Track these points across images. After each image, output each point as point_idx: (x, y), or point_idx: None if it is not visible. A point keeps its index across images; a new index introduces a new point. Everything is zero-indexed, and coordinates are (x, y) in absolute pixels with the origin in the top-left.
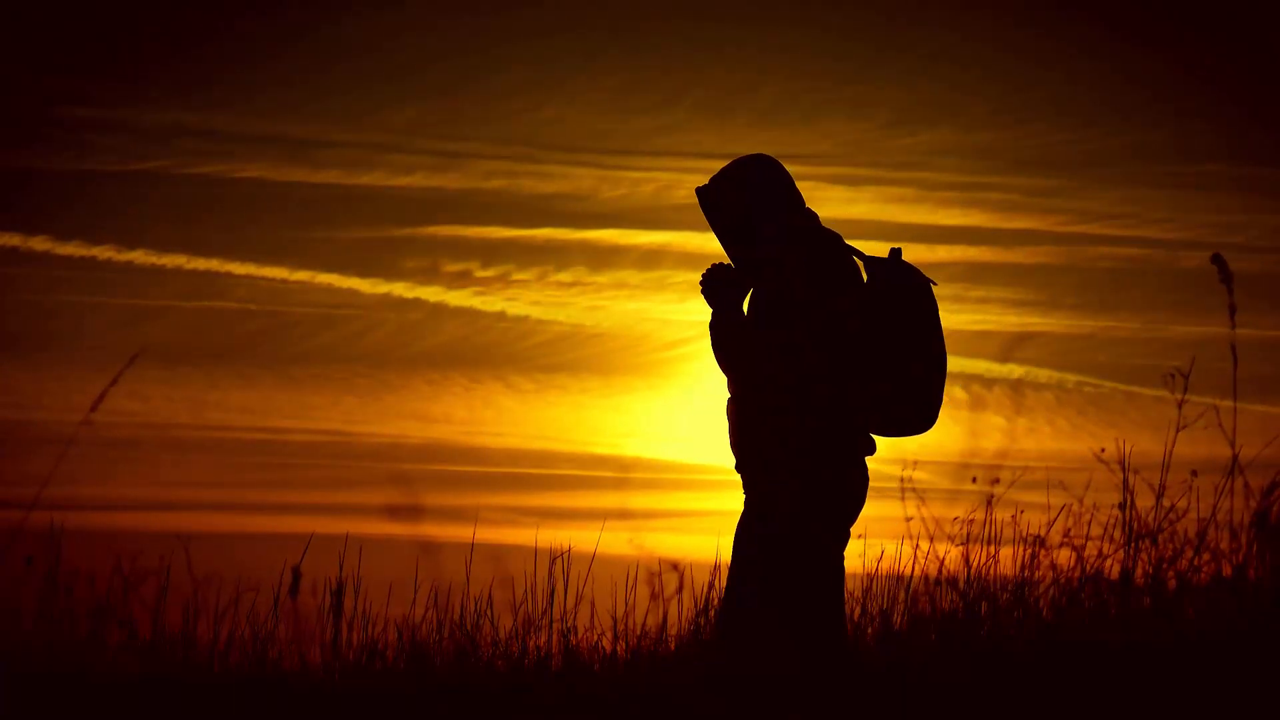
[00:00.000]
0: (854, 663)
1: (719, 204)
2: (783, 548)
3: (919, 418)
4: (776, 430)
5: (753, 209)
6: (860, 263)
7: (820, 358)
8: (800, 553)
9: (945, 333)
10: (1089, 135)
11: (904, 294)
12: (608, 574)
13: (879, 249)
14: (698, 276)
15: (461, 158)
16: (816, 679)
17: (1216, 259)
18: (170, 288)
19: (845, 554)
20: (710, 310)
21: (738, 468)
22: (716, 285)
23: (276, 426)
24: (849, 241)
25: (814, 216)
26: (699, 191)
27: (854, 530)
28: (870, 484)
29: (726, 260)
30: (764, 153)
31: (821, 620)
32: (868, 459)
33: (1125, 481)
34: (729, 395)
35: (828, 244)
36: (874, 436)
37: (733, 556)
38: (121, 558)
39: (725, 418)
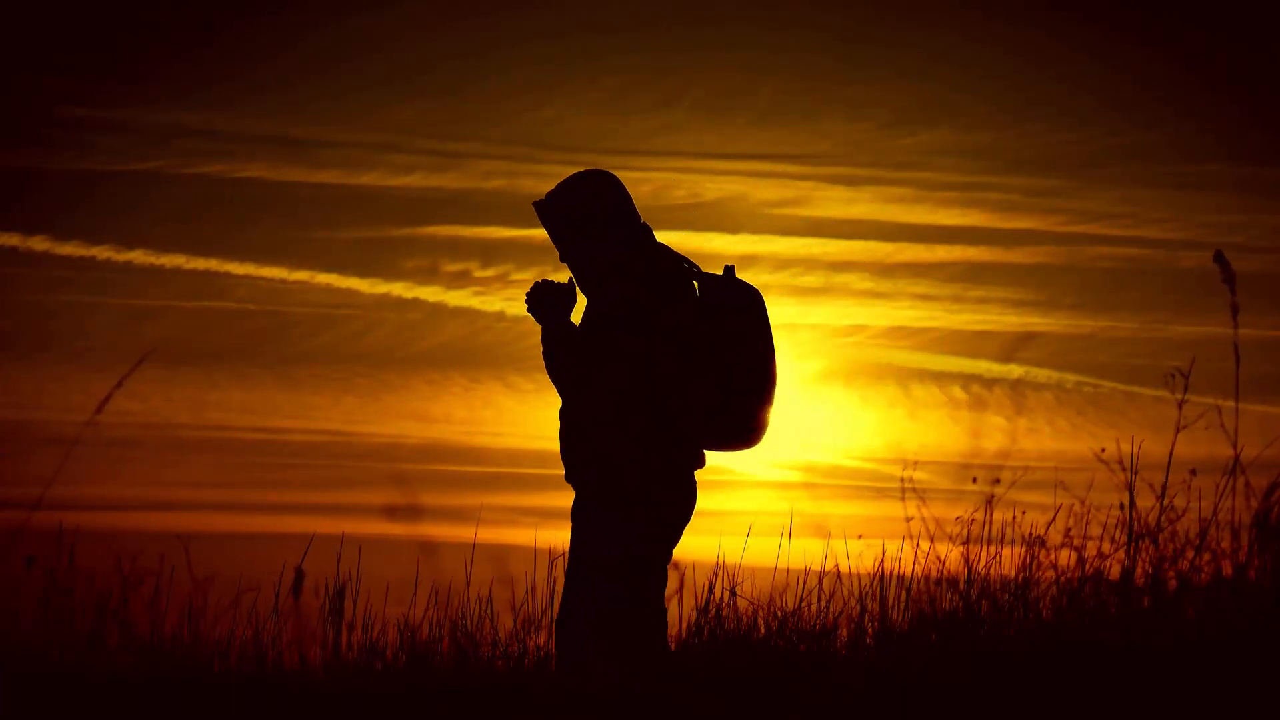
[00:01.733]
0: (670, 669)
1: (566, 211)
2: (610, 555)
3: (747, 434)
4: (608, 440)
5: (601, 217)
6: (694, 279)
7: (662, 364)
8: (626, 561)
9: (943, 333)
10: (1089, 135)
11: (737, 311)
12: None
13: (881, 249)
14: None
15: (461, 158)
16: (638, 681)
17: (1219, 258)
18: (170, 288)
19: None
20: (539, 326)
21: (567, 477)
22: (543, 301)
23: (276, 426)
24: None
25: (649, 230)
26: (539, 205)
27: (854, 530)
28: (870, 484)
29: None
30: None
31: (643, 628)
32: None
33: (1130, 481)
34: (561, 404)
35: (666, 256)
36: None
37: (568, 561)
38: (121, 558)
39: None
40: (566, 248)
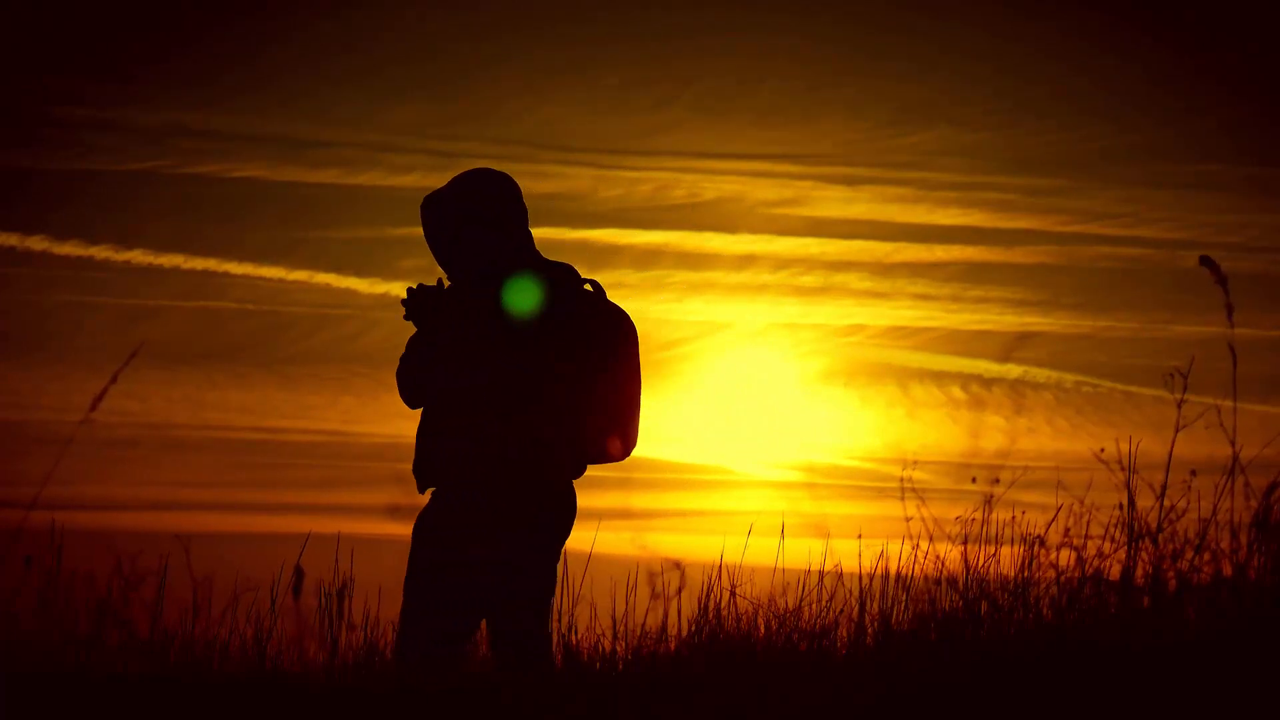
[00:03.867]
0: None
1: (461, 202)
2: (488, 566)
3: (619, 447)
4: (482, 447)
5: (498, 213)
6: (572, 290)
7: (538, 370)
8: (507, 572)
9: (942, 333)
10: (1089, 135)
11: (607, 325)
12: (608, 574)
13: (880, 249)
14: (696, 276)
15: (459, 157)
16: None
17: (1205, 261)
18: (168, 287)
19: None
20: (416, 328)
21: (423, 482)
22: (422, 305)
23: (274, 426)
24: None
25: (530, 238)
26: (432, 198)
27: (854, 530)
28: (870, 484)
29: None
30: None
31: (534, 637)
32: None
33: (1129, 481)
34: (422, 412)
35: (549, 266)
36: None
37: (415, 567)
38: (121, 558)
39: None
40: (456, 240)
